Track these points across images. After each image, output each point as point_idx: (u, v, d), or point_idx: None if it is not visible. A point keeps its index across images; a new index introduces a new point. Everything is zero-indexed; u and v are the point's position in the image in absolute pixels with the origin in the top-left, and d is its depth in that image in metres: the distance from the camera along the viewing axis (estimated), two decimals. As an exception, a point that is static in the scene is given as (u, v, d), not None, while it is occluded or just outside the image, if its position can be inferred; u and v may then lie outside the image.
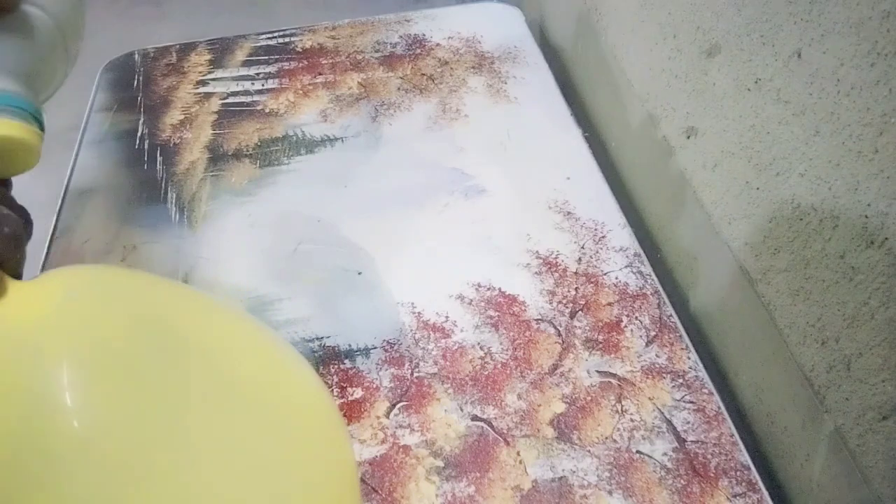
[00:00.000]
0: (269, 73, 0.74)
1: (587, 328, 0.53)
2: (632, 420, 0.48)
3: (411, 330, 0.53)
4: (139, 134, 0.69)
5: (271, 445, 0.33)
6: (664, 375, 0.50)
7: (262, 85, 0.73)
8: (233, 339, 0.38)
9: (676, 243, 0.61)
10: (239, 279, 0.56)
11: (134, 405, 0.30)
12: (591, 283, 0.55)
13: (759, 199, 0.47)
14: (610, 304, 0.54)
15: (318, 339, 0.53)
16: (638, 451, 0.46)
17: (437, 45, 0.77)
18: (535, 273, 0.56)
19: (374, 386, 0.50)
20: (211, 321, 0.38)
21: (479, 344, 0.52)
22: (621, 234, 0.59)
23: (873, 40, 0.35)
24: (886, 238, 0.36)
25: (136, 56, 0.78)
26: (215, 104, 0.72)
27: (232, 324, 0.39)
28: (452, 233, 0.59)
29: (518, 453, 0.46)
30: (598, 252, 0.57)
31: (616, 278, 0.56)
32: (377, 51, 0.77)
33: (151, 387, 0.31)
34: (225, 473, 0.31)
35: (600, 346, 0.52)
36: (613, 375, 0.50)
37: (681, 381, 0.50)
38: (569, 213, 0.60)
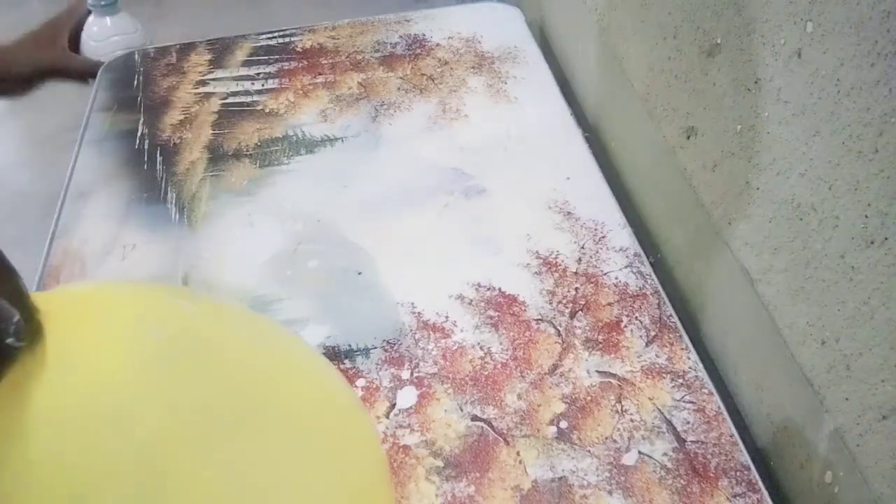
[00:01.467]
0: (269, 73, 0.74)
1: (587, 328, 0.53)
2: (632, 420, 0.48)
3: (411, 330, 0.53)
4: (139, 134, 0.69)
5: (308, 463, 0.34)
6: (664, 375, 0.50)
7: (262, 85, 0.73)
8: (262, 354, 0.37)
9: (676, 243, 0.61)
10: (239, 279, 0.56)
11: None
12: (591, 283, 0.55)
13: (759, 199, 0.47)
14: (610, 304, 0.54)
15: (318, 339, 0.53)
16: (638, 452, 0.46)
17: (437, 45, 0.77)
18: (535, 273, 0.56)
19: (374, 386, 0.50)
20: (239, 335, 0.38)
21: (479, 344, 0.52)
22: (621, 234, 0.59)
23: (873, 40, 0.35)
24: (886, 238, 0.36)
25: (136, 56, 0.78)
26: (215, 104, 0.72)
27: (258, 335, 0.39)
28: (452, 233, 0.59)
29: (518, 453, 0.46)
30: (598, 252, 0.57)
31: (616, 278, 0.56)
32: (377, 51, 0.77)
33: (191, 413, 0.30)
34: (264, 493, 0.31)
35: (600, 346, 0.52)
36: (613, 375, 0.50)
37: (681, 381, 0.50)
38: (569, 213, 0.60)
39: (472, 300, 0.55)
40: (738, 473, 0.45)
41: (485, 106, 0.70)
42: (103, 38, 0.79)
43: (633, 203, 0.68)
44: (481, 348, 0.52)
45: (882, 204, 0.36)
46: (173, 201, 0.63)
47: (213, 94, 0.73)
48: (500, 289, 0.55)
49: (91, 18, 0.80)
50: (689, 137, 0.55)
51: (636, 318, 0.53)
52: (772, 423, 0.50)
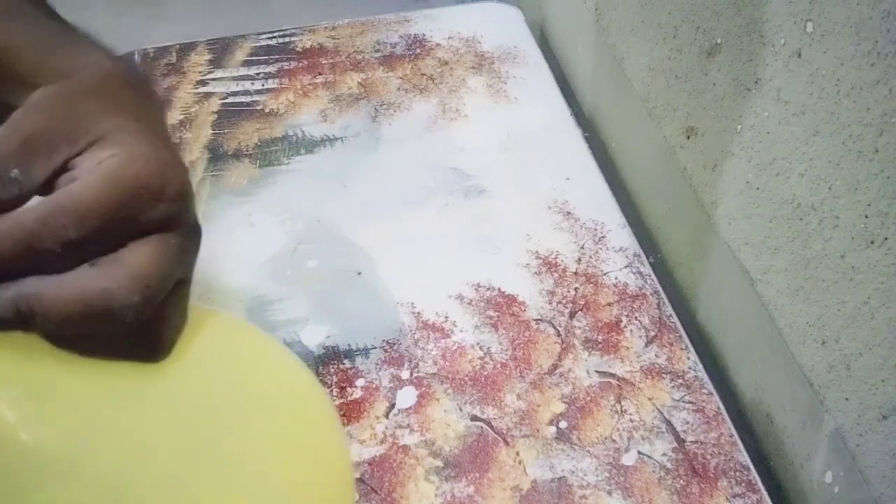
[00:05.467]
0: (269, 73, 0.74)
1: (587, 328, 0.53)
2: (631, 420, 0.48)
3: (411, 330, 0.53)
4: (139, 134, 0.69)
5: (263, 454, 0.33)
6: (664, 375, 0.50)
7: (262, 85, 0.73)
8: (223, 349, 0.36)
9: (676, 243, 0.61)
10: (239, 279, 0.56)
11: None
12: (591, 283, 0.55)
13: (759, 199, 0.47)
14: (609, 304, 0.54)
15: (317, 339, 0.53)
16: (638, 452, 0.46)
17: (437, 45, 0.77)
18: (535, 273, 0.56)
19: (374, 386, 0.50)
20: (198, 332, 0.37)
21: (478, 344, 0.52)
22: (621, 234, 0.59)
23: (873, 40, 0.35)
24: (886, 238, 0.36)
25: (136, 56, 0.78)
26: (215, 104, 0.71)
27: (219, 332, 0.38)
28: (452, 233, 0.59)
29: (517, 453, 0.46)
30: (597, 252, 0.57)
31: (616, 278, 0.56)
32: (377, 51, 0.77)
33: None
34: (216, 484, 0.30)
35: (600, 346, 0.52)
36: (613, 375, 0.50)
37: (680, 381, 0.50)
38: (569, 213, 0.60)
39: (471, 300, 0.55)
40: (737, 473, 0.45)
41: (485, 106, 0.70)
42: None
43: (633, 203, 0.68)
44: (481, 348, 0.52)
45: (882, 204, 0.36)
46: (173, 201, 0.62)
47: (213, 94, 0.72)
48: (499, 289, 0.55)
49: None
50: (689, 137, 0.55)
51: (636, 318, 0.53)
52: (772, 423, 0.50)
